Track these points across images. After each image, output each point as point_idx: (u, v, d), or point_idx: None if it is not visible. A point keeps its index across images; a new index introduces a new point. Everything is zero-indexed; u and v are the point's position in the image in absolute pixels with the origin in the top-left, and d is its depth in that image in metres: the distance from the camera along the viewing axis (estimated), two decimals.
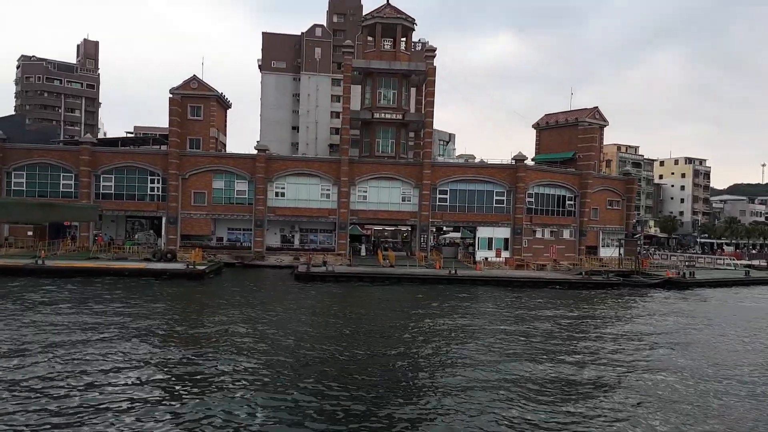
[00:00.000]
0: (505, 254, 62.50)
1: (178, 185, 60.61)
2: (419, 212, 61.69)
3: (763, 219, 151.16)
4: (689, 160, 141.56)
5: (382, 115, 63.84)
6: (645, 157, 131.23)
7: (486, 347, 24.65)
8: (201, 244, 59.84)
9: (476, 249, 62.96)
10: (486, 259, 59.45)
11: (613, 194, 73.13)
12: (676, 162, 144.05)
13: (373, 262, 57.04)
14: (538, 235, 65.49)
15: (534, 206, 65.02)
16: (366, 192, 62.00)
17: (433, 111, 62.44)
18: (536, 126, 77.40)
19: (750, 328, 33.44)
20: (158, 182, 61.49)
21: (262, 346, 23.95)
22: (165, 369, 20.21)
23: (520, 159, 63.47)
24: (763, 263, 79.22)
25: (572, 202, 68.76)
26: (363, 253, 63.81)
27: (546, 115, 77.88)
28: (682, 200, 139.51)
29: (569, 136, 72.53)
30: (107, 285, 41.17)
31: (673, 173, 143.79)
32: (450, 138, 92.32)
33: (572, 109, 75.86)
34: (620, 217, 74.18)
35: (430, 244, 63.23)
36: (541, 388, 19.02)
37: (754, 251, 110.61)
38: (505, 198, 63.33)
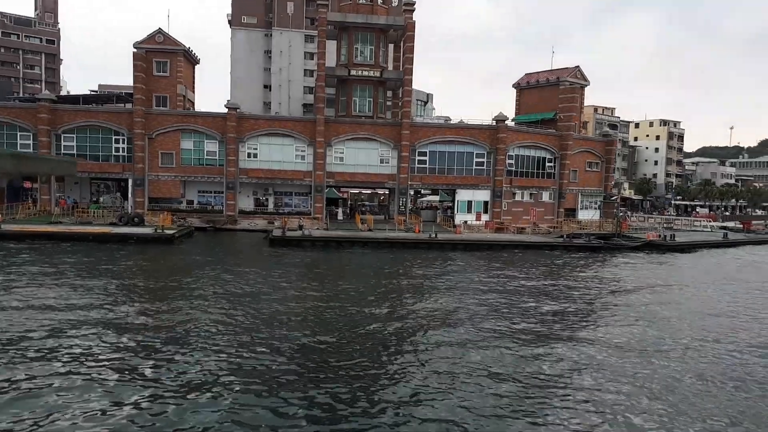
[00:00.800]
0: (484, 217, 61.20)
1: (144, 145, 57.62)
2: (398, 174, 59.79)
3: (732, 181, 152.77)
4: (664, 122, 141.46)
5: (359, 72, 61.21)
6: (621, 119, 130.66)
7: (471, 314, 23.23)
8: (170, 208, 57.33)
9: (455, 212, 61.53)
10: (465, 222, 58.06)
11: (593, 156, 72.10)
12: (651, 124, 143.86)
13: (351, 226, 55.25)
14: (518, 197, 64.28)
15: (514, 168, 63.63)
16: (343, 153, 59.78)
17: (412, 68, 60.01)
18: (516, 86, 75.46)
19: (745, 288, 32.73)
20: (123, 142, 58.35)
21: (235, 315, 22.25)
22: (132, 338, 18.44)
23: (500, 119, 61.71)
24: (738, 225, 79.54)
25: (552, 164, 67.55)
26: (340, 217, 61.93)
27: (527, 74, 75.93)
28: (656, 162, 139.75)
29: (550, 96, 70.84)
30: (69, 250, 38.74)
31: (647, 135, 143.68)
32: (428, 98, 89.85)
33: (553, 68, 73.98)
34: (599, 179, 73.36)
35: (408, 207, 61.54)
36: (527, 348, 17.69)
37: (726, 213, 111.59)
38: (485, 160, 61.72)
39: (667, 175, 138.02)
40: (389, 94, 69.94)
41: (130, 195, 58.87)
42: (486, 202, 61.94)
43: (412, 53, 59.87)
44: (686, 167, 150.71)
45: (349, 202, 73.52)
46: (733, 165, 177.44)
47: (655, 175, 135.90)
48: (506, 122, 62.37)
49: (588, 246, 51.06)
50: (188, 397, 14.17)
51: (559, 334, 21.20)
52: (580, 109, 73.32)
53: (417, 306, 25.18)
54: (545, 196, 67.13)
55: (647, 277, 37.51)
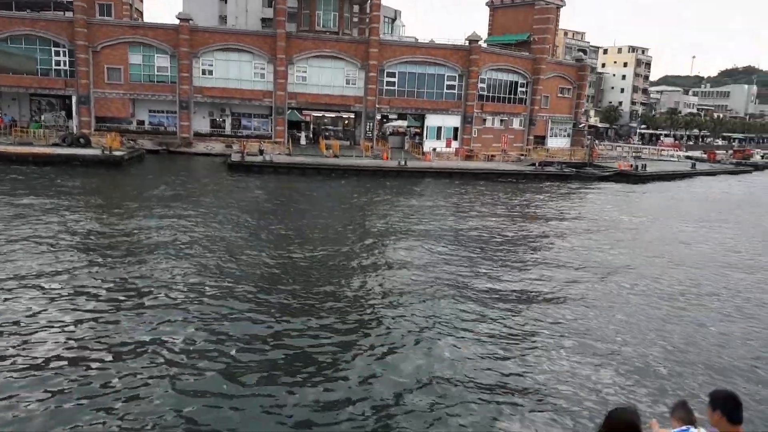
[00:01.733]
0: (454, 144, 58.85)
1: (88, 59, 52.54)
2: (365, 97, 56.40)
3: (695, 110, 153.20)
4: (632, 49, 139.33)
5: None
6: (591, 44, 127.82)
7: (445, 247, 21.25)
8: (119, 129, 53.12)
9: (424, 138, 58.93)
10: (435, 149, 55.62)
11: (565, 82, 69.79)
12: (620, 50, 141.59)
13: (315, 152, 52.23)
14: (488, 124, 61.92)
15: (486, 93, 60.89)
16: (305, 72, 55.85)
17: None
18: (490, 4, 71.52)
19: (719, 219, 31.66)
20: (65, 55, 53.08)
21: (188, 251, 19.74)
22: (76, 275, 16.00)
23: (473, 40, 58.33)
24: (703, 155, 79.38)
25: (524, 89, 65.00)
26: (303, 141, 58.62)
27: None
28: (623, 90, 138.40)
29: (525, 17, 67.38)
30: (5, 172, 35.01)
31: (615, 62, 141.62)
32: (396, 15, 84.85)
33: None
34: (570, 106, 71.41)
35: (376, 133, 58.58)
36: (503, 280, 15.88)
37: (690, 142, 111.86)
38: (456, 83, 58.70)
39: (633, 103, 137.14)
40: (356, 9, 65.40)
41: (74, 113, 54.19)
42: (456, 129, 59.42)
43: None
44: (651, 96, 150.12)
45: (312, 126, 70.03)
46: (695, 94, 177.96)
47: (620, 103, 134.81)
48: (479, 42, 59.02)
49: (559, 175, 49.51)
50: (128, 345, 11.84)
51: (535, 272, 19.43)
52: (555, 32, 70.19)
53: (387, 242, 23.02)
54: (516, 123, 64.94)
55: (621, 208, 36.13)
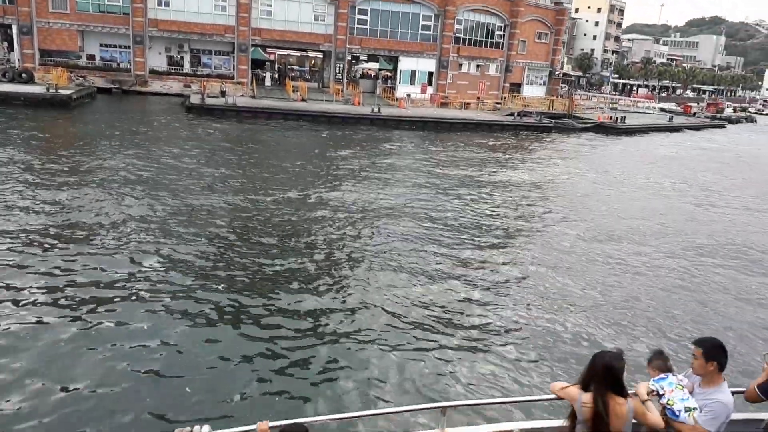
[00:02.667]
0: (429, 90, 55.99)
1: None
2: (335, 36, 52.74)
3: (665, 60, 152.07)
4: None
5: None
6: None
7: (422, 212, 19.11)
8: (66, 64, 48.69)
9: (398, 83, 55.87)
10: (408, 95, 52.74)
11: (543, 26, 66.93)
12: None
13: (282, 95, 48.86)
14: (464, 69, 59.11)
15: (462, 36, 57.76)
16: (270, 6, 51.69)
17: None
18: None
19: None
20: None
21: (142, 203, 17.42)
22: (21, 224, 14.03)
23: None
24: (677, 108, 78.31)
25: (501, 33, 62.01)
26: (268, 82, 54.94)
27: None
28: (595, 37, 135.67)
29: None
30: None
31: (589, 7, 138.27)
32: None
33: None
34: (547, 52, 68.83)
35: (346, 75, 55.21)
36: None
37: (663, 94, 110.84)
38: (432, 23, 55.40)
39: (604, 51, 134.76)
40: None
41: (15, 45, 49.25)
42: (431, 73, 56.48)
43: None
44: (623, 44, 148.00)
45: (277, 66, 65.99)
46: (665, 44, 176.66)
47: (592, 51, 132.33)
48: None
49: (539, 126, 47.47)
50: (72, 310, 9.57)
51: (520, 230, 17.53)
52: None
53: (362, 200, 20.70)
54: (492, 69, 62.23)
55: (608, 164, 34.41)
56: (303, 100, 46.92)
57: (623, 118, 52.64)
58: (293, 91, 49.32)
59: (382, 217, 18.60)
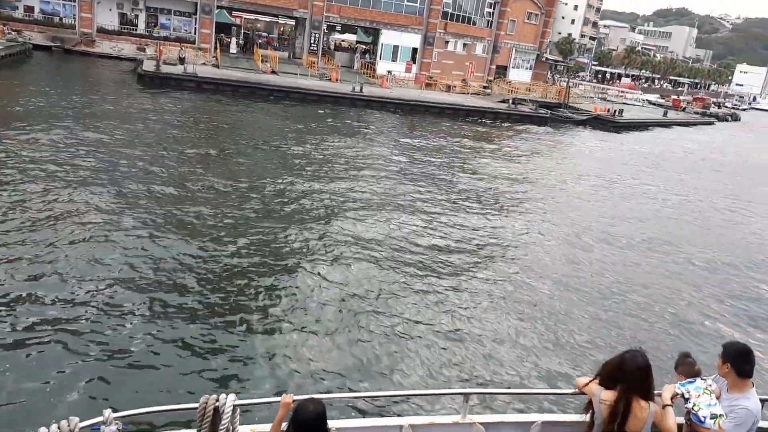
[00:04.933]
0: (414, 69, 50.99)
1: None
2: (311, 1, 47.04)
3: (640, 49, 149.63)
4: None
5: None
6: None
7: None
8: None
9: (378, 58, 50.63)
10: (390, 72, 47.64)
11: (533, 5, 62.46)
12: None
13: (249, 65, 43.12)
14: (450, 47, 54.19)
15: (451, 10, 52.72)
16: None
17: None
18: None
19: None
20: None
21: (80, 193, 13.92)
22: None
23: None
24: (662, 100, 75.32)
25: (491, 10, 57.27)
26: (233, 49, 48.96)
27: None
28: (573, 22, 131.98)
29: None
30: None
31: None
32: None
33: None
34: (536, 34, 64.55)
35: (322, 46, 49.66)
36: None
37: (645, 84, 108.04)
38: None
39: (581, 36, 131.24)
40: None
41: None
42: (414, 49, 51.39)
43: None
44: (600, 30, 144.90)
45: (243, 32, 59.85)
46: (641, 32, 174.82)
47: (570, 35, 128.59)
48: None
49: (535, 116, 43.12)
50: None
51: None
52: None
53: (338, 213, 16.02)
54: (479, 49, 57.54)
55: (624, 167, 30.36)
56: (273, 72, 41.43)
57: (621, 111, 48.80)
58: (262, 61, 43.70)
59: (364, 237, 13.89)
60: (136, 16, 47.28)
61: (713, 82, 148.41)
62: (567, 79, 52.96)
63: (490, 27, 57.58)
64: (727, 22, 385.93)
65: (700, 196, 26.00)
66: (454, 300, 11.45)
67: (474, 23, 55.63)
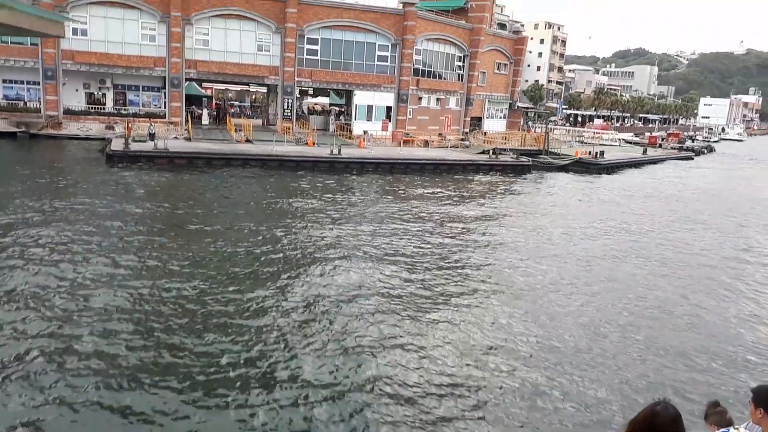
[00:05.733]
0: (391, 127, 50.41)
1: None
2: (282, 68, 46.57)
3: (606, 89, 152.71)
4: (549, 25, 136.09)
5: None
6: (511, 18, 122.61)
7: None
8: None
9: (353, 119, 50.01)
10: (366, 132, 46.93)
11: (502, 56, 63.02)
12: (536, 26, 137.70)
13: (223, 136, 42.12)
14: (424, 103, 53.93)
15: (421, 66, 52.75)
16: (208, 35, 45.21)
17: None
18: None
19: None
20: None
21: (40, 297, 12.15)
22: None
23: (409, 2, 49.77)
24: (636, 138, 75.83)
25: (461, 63, 57.49)
26: (205, 121, 48.10)
27: None
28: (539, 68, 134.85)
29: None
30: None
31: (532, 38, 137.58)
32: None
33: None
34: (506, 83, 64.92)
35: (295, 111, 48.92)
36: None
37: (617, 124, 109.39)
38: (389, 54, 50.10)
39: (548, 81, 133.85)
40: None
41: None
42: (389, 108, 50.95)
43: None
44: (566, 75, 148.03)
45: (215, 102, 59.32)
46: (605, 74, 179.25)
47: (537, 82, 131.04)
48: (415, 6, 50.53)
49: (516, 165, 42.39)
50: None
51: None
52: None
53: (330, 286, 14.55)
54: (452, 102, 57.41)
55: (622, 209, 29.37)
56: (248, 140, 40.40)
57: (602, 153, 48.37)
58: (236, 130, 42.72)
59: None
60: (104, 95, 46.35)
61: (681, 117, 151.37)
62: (545, 126, 52.54)
63: (462, 80, 57.66)
64: (684, 58, 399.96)
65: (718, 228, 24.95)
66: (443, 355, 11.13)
67: (445, 78, 55.69)
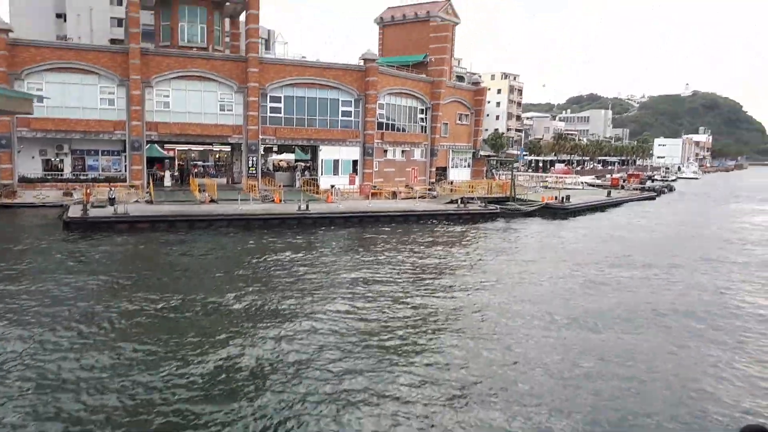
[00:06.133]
0: (358, 180, 50.16)
1: None
2: (245, 126, 46.21)
3: (563, 133, 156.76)
4: (505, 76, 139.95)
5: None
6: (468, 70, 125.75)
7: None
8: None
9: (320, 174, 49.63)
10: (333, 186, 46.54)
11: (463, 107, 64.05)
12: (493, 77, 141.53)
13: (186, 197, 41.14)
14: (390, 155, 54.06)
15: (385, 120, 53.10)
16: (168, 97, 44.74)
17: None
18: (379, 21, 64.27)
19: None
20: None
21: None
22: None
23: (370, 59, 50.41)
24: (597, 180, 77.16)
25: (423, 116, 58.15)
26: (168, 183, 47.10)
27: (389, 8, 64.93)
28: (498, 117, 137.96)
29: (418, 35, 60.79)
30: None
31: (489, 89, 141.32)
32: (270, 36, 75.24)
33: (421, 1, 63.68)
34: (469, 133, 65.80)
35: (261, 168, 48.33)
36: None
37: (578, 168, 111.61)
38: (352, 109, 50.33)
39: (507, 129, 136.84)
40: (227, 27, 55.03)
41: None
42: (355, 162, 50.82)
43: None
44: (524, 122, 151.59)
45: (178, 163, 58.42)
46: (562, 120, 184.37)
47: (497, 130, 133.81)
48: (376, 62, 51.15)
49: (485, 213, 42.34)
50: None
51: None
52: (452, 52, 64.26)
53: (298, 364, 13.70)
54: (417, 154, 57.72)
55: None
56: (212, 200, 39.53)
57: (568, 197, 48.78)
58: (199, 190, 41.84)
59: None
60: (62, 161, 45.08)
61: (638, 157, 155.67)
62: (511, 173, 52.95)
63: (425, 132, 58.18)
64: (635, 101, 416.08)
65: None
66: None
67: (409, 130, 56.11)
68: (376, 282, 21.97)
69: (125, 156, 44.84)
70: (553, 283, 22.99)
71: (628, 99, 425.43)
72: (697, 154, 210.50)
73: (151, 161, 49.50)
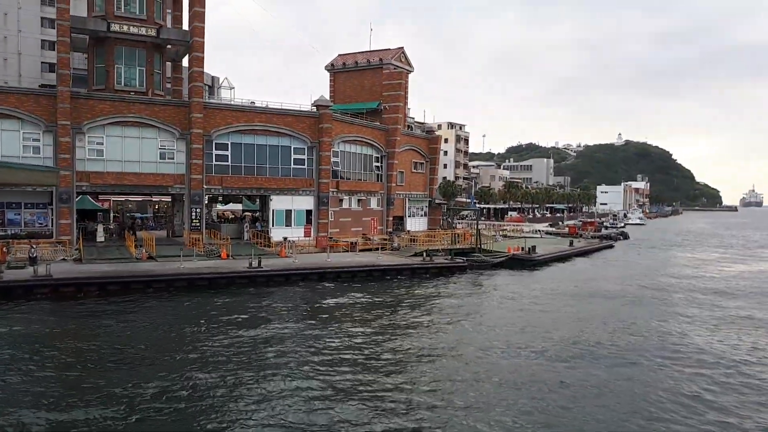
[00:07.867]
0: (313, 232, 46.70)
1: None
2: (188, 175, 42.33)
3: (508, 181, 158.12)
4: (451, 125, 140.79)
5: (125, 28, 42.37)
6: (416, 120, 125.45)
7: None
8: None
9: (271, 225, 45.93)
10: (286, 239, 42.92)
11: (418, 155, 62.16)
12: (440, 126, 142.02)
13: (121, 253, 36.64)
14: (345, 204, 51.01)
15: (340, 168, 50.27)
16: (102, 144, 40.55)
17: (204, 28, 43.21)
18: (330, 68, 62.11)
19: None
20: None
21: None
22: None
23: (323, 105, 47.78)
24: (556, 229, 76.13)
25: (379, 164, 55.70)
26: (101, 237, 42.39)
27: (340, 55, 63.04)
28: (446, 166, 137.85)
29: (371, 82, 58.95)
30: None
31: (446, 139, 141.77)
32: (214, 82, 71.88)
33: (373, 49, 62.09)
34: (424, 181, 63.74)
35: (205, 220, 44.31)
36: None
37: (530, 216, 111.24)
38: (306, 157, 47.28)
39: (456, 178, 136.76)
40: (168, 72, 51.48)
41: None
42: (309, 212, 47.43)
43: (204, 6, 43.04)
44: (471, 170, 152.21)
45: (113, 215, 53.63)
46: (506, 168, 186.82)
47: (445, 178, 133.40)
48: (329, 108, 48.53)
49: (453, 266, 39.52)
50: None
51: None
52: (406, 100, 62.49)
53: None
54: (373, 203, 54.92)
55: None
56: (150, 257, 35.26)
57: (533, 248, 46.59)
58: (136, 246, 37.47)
59: None
60: None
61: (583, 204, 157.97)
62: (476, 222, 50.65)
63: (381, 180, 55.62)
64: (571, 150, 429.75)
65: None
66: None
67: (365, 179, 53.46)
68: (346, 366, 18.51)
69: (52, 209, 40.11)
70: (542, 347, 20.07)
71: (565, 148, 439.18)
72: (637, 201, 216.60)
73: (84, 213, 44.85)
